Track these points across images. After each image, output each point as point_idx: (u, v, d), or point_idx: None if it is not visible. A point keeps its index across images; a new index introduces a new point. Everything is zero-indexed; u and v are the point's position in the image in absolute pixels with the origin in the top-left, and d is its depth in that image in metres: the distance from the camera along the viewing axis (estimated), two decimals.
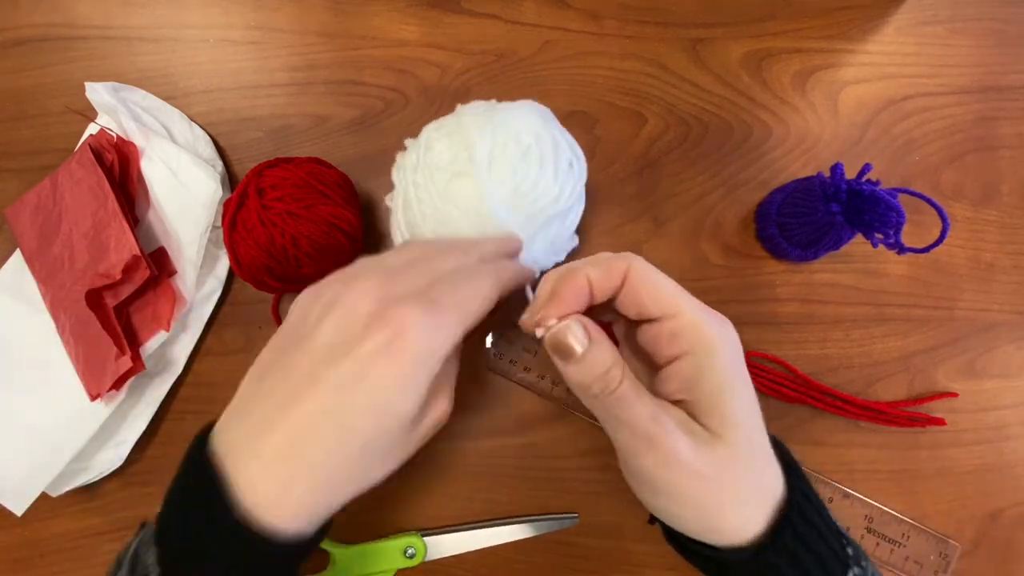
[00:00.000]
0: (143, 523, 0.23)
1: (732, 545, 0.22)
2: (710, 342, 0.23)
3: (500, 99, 0.35)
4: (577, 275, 0.24)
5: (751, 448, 0.23)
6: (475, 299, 0.23)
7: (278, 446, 0.20)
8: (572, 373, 0.23)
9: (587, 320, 0.23)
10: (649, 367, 0.26)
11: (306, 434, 0.20)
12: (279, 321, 0.40)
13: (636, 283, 0.24)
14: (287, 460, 0.20)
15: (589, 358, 0.23)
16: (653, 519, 0.26)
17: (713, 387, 0.23)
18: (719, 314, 0.24)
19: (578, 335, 0.23)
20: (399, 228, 0.34)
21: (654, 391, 0.24)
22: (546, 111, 0.34)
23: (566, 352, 0.23)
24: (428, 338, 0.21)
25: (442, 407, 0.24)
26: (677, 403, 0.24)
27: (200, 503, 0.20)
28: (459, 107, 0.34)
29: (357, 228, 0.36)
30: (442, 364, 0.22)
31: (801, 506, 0.23)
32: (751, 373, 0.39)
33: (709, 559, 0.24)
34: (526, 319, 0.25)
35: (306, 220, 0.33)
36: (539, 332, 0.24)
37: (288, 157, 0.36)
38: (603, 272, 0.24)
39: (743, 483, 0.22)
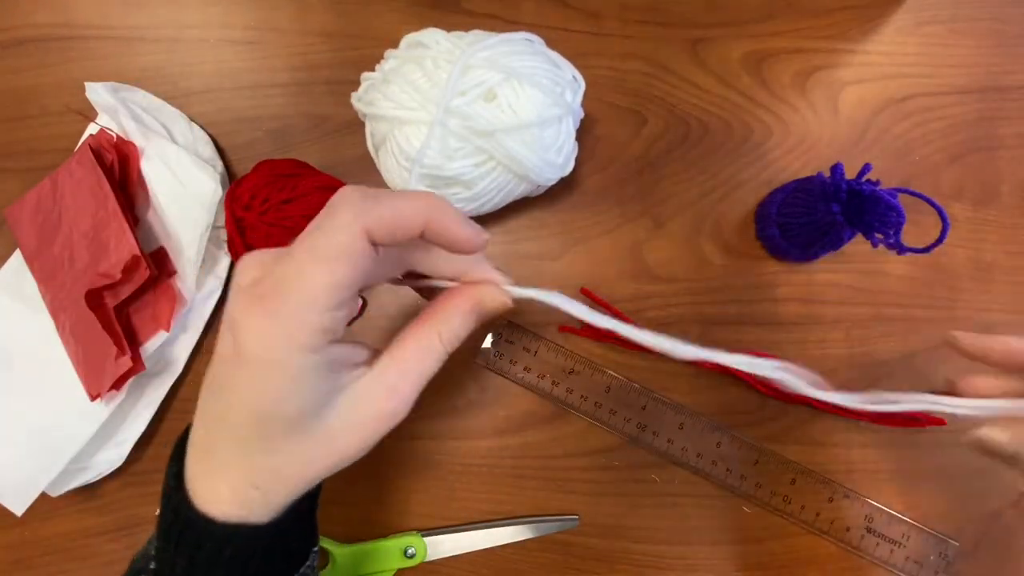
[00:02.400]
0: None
1: None
2: None
3: None
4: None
5: None
6: (320, 272, 0.20)
7: (199, 453, 0.23)
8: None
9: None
10: None
11: (210, 438, 0.22)
12: None
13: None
14: (206, 462, 0.22)
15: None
16: None
17: None
18: None
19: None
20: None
21: None
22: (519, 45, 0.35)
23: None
24: (261, 341, 0.20)
25: (357, 357, 0.23)
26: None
27: (169, 508, 0.23)
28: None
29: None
30: (313, 337, 0.20)
31: None
32: (751, 374, 0.39)
33: None
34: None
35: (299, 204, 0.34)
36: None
37: (239, 179, 0.35)
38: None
39: None
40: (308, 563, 0.25)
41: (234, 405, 0.21)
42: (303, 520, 0.25)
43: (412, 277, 0.26)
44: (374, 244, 0.21)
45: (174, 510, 0.22)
